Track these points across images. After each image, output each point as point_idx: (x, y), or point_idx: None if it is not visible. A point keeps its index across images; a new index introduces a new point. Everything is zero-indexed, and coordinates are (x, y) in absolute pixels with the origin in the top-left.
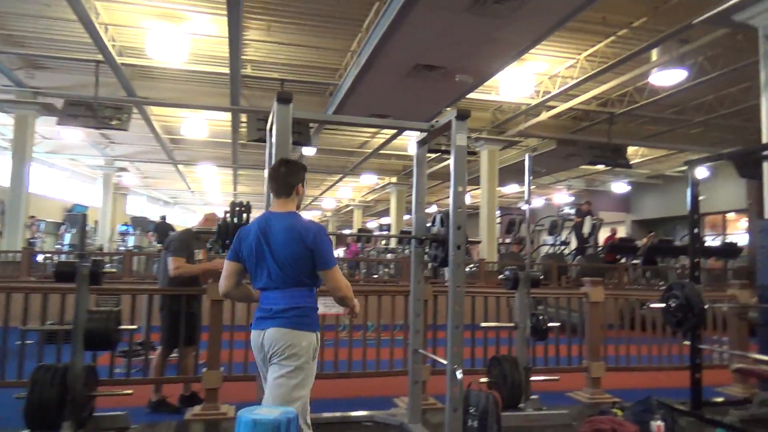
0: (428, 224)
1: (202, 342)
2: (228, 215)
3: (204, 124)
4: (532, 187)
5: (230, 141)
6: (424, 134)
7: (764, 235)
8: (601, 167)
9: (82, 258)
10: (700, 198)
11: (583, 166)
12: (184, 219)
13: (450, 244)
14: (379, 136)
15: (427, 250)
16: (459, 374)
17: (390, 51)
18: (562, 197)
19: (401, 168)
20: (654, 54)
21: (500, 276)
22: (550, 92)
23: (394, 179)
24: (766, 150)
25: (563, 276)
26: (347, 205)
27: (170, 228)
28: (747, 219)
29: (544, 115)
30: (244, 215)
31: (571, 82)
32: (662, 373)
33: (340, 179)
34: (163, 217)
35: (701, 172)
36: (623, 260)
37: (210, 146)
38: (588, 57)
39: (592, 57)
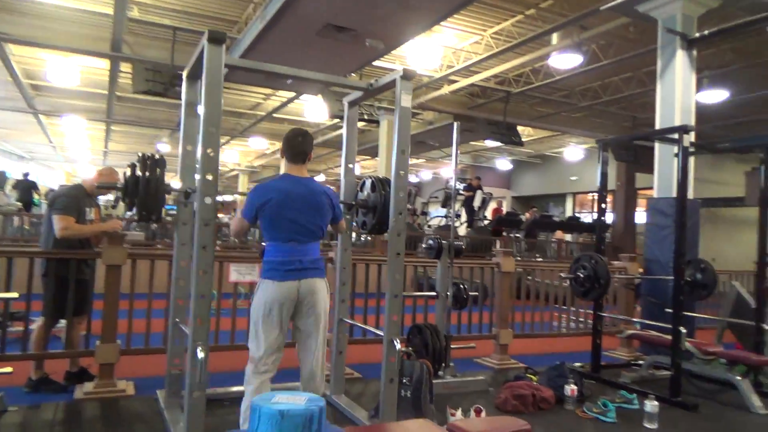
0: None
1: (95, 311)
2: (137, 169)
3: (75, 71)
4: (421, 160)
5: (106, 92)
6: (357, 94)
7: (651, 213)
8: (488, 144)
9: None
10: (572, 178)
11: (473, 142)
12: (41, 176)
13: (391, 209)
14: (273, 98)
15: (355, 216)
16: (397, 344)
17: (300, 7)
18: (449, 171)
19: None
20: (555, 37)
21: (424, 246)
22: (453, 66)
23: None
24: (664, 134)
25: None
26: (232, 170)
27: (33, 186)
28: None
29: (446, 89)
30: (158, 170)
31: (476, 58)
32: (558, 339)
33: (227, 142)
34: (26, 174)
35: (577, 153)
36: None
37: (81, 97)
38: (494, 34)
39: (497, 35)
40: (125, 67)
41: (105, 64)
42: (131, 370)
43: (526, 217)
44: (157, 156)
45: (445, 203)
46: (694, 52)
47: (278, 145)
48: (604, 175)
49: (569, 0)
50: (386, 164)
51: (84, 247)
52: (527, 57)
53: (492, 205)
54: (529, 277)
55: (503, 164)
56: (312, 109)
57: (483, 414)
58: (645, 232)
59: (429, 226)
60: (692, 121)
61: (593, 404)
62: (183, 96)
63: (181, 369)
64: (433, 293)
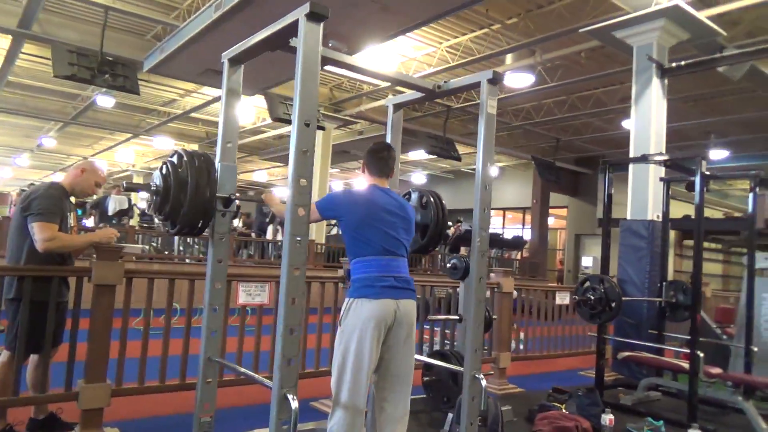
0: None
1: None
2: (180, 169)
3: None
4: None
5: None
6: (407, 97)
7: (625, 234)
8: (410, 156)
9: None
10: None
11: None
12: None
13: (475, 235)
14: (195, 95)
15: None
16: (483, 381)
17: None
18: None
19: (205, 135)
20: (509, 57)
21: (447, 266)
22: None
23: (195, 146)
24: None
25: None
26: (125, 170)
27: None
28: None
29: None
30: (209, 172)
31: (427, 70)
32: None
33: (128, 140)
34: None
35: (492, 171)
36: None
37: None
38: (449, 48)
39: (452, 49)
40: (30, 48)
41: (2, 41)
42: (114, 410)
43: (451, 231)
44: (198, 152)
45: None
46: (666, 81)
47: (187, 146)
48: (609, 197)
49: (534, 20)
50: (320, 172)
51: (64, 261)
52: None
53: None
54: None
55: (418, 178)
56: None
57: None
58: (619, 253)
59: None
60: (663, 147)
61: None
62: (224, 83)
63: (211, 416)
64: (456, 316)
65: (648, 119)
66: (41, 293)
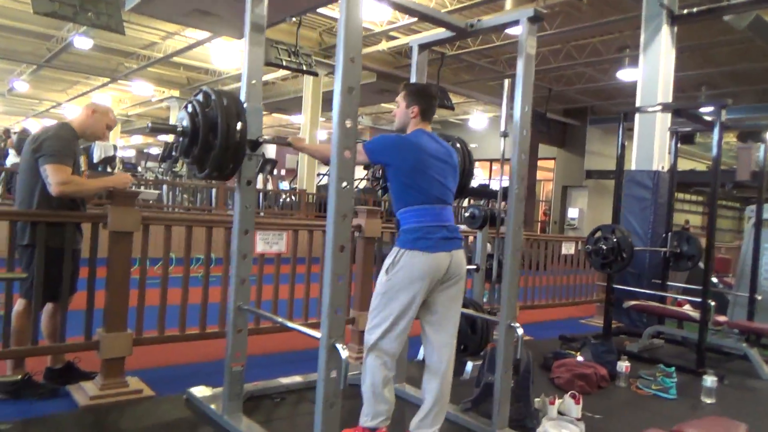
0: None
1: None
2: (209, 110)
3: None
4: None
5: None
6: (435, 37)
7: (629, 184)
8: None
9: None
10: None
11: (384, 104)
12: None
13: (513, 183)
14: (177, 38)
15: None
16: (519, 330)
17: None
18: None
19: (186, 81)
20: (509, 2)
21: (466, 215)
22: (396, 22)
23: (176, 92)
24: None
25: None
26: None
27: None
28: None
29: (383, 45)
30: (240, 114)
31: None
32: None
33: (105, 84)
34: None
35: (481, 121)
36: None
37: None
38: None
39: None
40: None
41: None
42: (134, 359)
43: None
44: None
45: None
46: (675, 29)
47: (167, 92)
48: (623, 147)
49: None
50: (311, 120)
51: (77, 207)
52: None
53: None
54: None
55: None
56: (221, 55)
57: (581, 400)
58: (623, 204)
59: None
60: (670, 96)
61: (650, 381)
62: (248, 17)
63: (242, 365)
64: (473, 266)
65: (656, 68)
66: (56, 239)
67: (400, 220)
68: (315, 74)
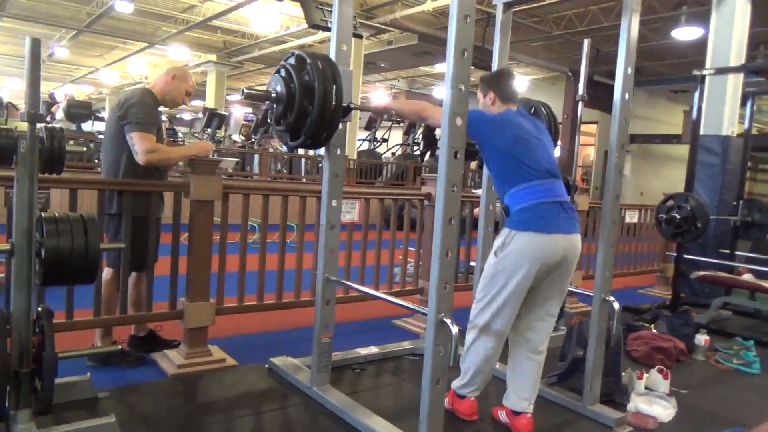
0: None
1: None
2: (305, 75)
3: None
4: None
5: None
6: None
7: (703, 151)
8: (437, 69)
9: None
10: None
11: (423, 67)
12: None
13: (612, 150)
14: (216, 1)
15: None
16: (615, 303)
17: None
18: (380, 95)
19: (222, 45)
20: None
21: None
22: None
23: (213, 57)
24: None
25: (418, 177)
26: (138, 82)
27: None
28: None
29: (429, 5)
30: (335, 78)
31: None
32: None
33: (142, 50)
34: None
35: (521, 84)
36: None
37: None
38: None
39: None
40: None
41: None
42: (213, 328)
43: None
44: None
45: (369, 126)
46: None
47: (205, 56)
48: (699, 110)
49: None
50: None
51: (161, 175)
52: None
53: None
54: None
55: (440, 92)
56: (261, 18)
57: (669, 375)
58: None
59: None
60: (744, 57)
61: (731, 354)
62: None
63: (331, 336)
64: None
65: (730, 24)
66: (142, 208)
67: (508, 206)
68: (360, 37)
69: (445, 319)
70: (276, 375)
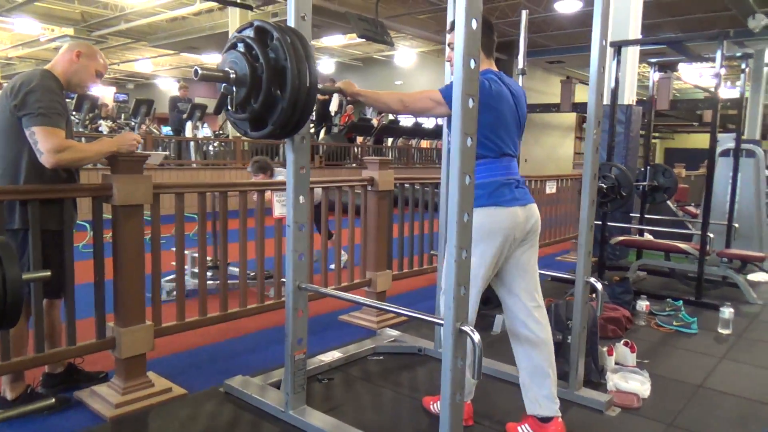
0: None
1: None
2: (272, 51)
3: None
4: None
5: None
6: None
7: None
8: (323, 42)
9: None
10: (397, 83)
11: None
12: None
13: (589, 138)
14: None
15: None
16: (599, 286)
17: None
18: None
19: (80, 17)
20: None
21: None
22: None
23: (69, 31)
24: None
25: (316, 155)
26: None
27: None
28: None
29: None
30: (308, 57)
31: None
32: None
33: None
34: None
35: (409, 58)
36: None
37: None
38: None
39: None
40: None
41: None
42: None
43: (375, 122)
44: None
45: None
46: None
47: (59, 31)
48: (617, 80)
49: None
50: None
51: (72, 177)
52: None
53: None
54: None
55: (326, 66)
56: None
57: (635, 348)
58: None
59: None
60: (639, 29)
61: (671, 317)
62: None
63: (305, 352)
64: None
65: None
66: (53, 221)
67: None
68: (250, 8)
69: (463, 328)
70: (236, 400)
